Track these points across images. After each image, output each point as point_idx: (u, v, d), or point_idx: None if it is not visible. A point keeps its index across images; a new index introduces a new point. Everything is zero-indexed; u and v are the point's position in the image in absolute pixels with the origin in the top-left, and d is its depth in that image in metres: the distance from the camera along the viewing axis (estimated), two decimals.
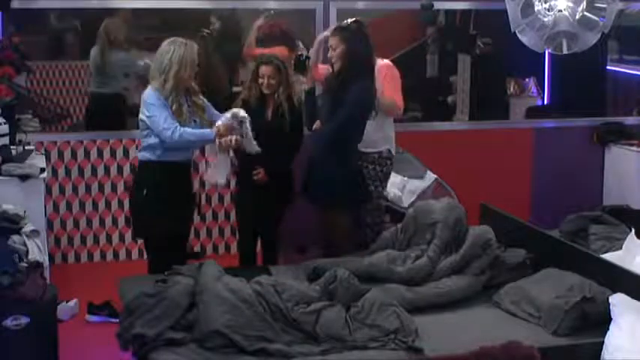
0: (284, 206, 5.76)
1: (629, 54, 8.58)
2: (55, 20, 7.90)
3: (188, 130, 5.10)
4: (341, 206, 5.49)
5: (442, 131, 7.62)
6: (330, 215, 5.49)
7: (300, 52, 5.79)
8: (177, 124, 5.06)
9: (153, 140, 5.13)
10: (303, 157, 5.68)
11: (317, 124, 5.45)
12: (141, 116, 5.17)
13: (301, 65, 5.59)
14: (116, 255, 6.84)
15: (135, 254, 6.82)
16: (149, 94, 5.14)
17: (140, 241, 6.23)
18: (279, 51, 7.12)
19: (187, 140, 5.11)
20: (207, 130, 5.21)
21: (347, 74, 5.28)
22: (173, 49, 5.11)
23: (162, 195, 5.14)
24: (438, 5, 7.42)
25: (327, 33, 5.65)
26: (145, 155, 5.20)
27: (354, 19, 5.43)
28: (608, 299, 4.49)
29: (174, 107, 5.10)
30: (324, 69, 5.71)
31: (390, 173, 5.93)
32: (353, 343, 4.27)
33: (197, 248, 7.04)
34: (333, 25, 6.29)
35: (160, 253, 5.23)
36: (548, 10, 5.67)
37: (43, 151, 6.34)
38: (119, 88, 7.35)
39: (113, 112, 7.30)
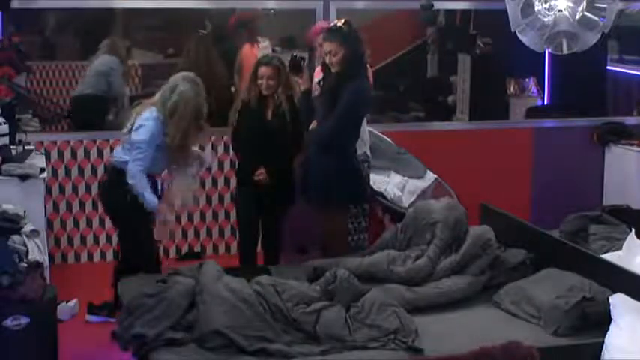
0: (285, 206, 5.76)
1: (629, 54, 8.58)
2: (55, 20, 7.91)
3: (147, 191, 5.11)
4: (339, 206, 5.49)
5: (442, 131, 7.62)
6: (328, 215, 5.48)
7: (294, 54, 5.79)
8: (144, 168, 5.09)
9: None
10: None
11: (314, 125, 5.45)
12: (134, 134, 5.16)
13: (297, 66, 5.59)
14: (116, 255, 6.81)
15: None
16: (149, 120, 5.13)
17: None
18: (248, 50, 7.30)
19: (137, 186, 5.10)
20: (154, 203, 5.17)
21: (344, 75, 5.30)
22: (181, 89, 5.13)
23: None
24: (438, 5, 7.42)
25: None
26: (123, 164, 5.19)
27: (342, 20, 5.45)
28: (608, 299, 4.49)
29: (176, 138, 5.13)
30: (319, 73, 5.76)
31: (369, 176, 5.94)
32: (353, 343, 4.27)
33: (197, 248, 7.05)
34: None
35: (138, 255, 5.32)
36: (548, 10, 5.67)
37: (43, 151, 6.34)
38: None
39: None
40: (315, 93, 5.64)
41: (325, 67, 5.46)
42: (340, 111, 5.27)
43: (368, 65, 5.78)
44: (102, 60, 7.34)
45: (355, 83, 5.29)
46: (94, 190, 6.82)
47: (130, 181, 5.11)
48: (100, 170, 6.81)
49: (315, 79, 5.72)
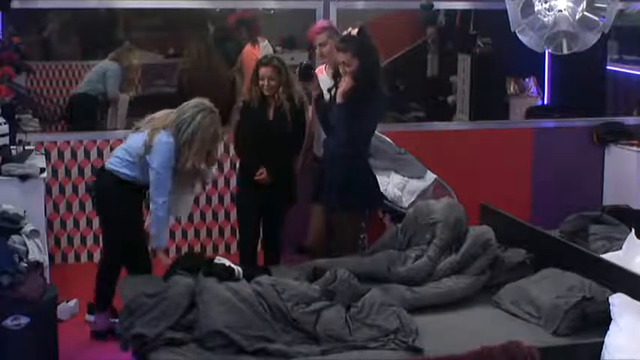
0: (286, 206, 5.76)
1: (629, 54, 8.58)
2: (55, 20, 7.91)
3: (164, 229, 5.25)
4: (355, 210, 5.48)
5: (442, 131, 7.62)
6: (342, 219, 5.47)
7: (302, 62, 5.76)
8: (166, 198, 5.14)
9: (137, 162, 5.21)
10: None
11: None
12: (149, 157, 5.14)
13: (306, 74, 5.56)
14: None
15: None
16: (164, 145, 5.13)
17: None
18: (249, 50, 7.32)
19: (155, 216, 5.17)
20: (165, 242, 5.34)
21: (364, 88, 5.26)
22: (199, 120, 5.13)
23: (139, 205, 5.34)
24: (438, 5, 7.42)
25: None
26: (124, 171, 5.22)
27: (357, 28, 5.38)
28: (608, 299, 4.49)
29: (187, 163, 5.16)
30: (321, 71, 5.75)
31: None
32: (353, 343, 4.27)
33: (197, 248, 7.05)
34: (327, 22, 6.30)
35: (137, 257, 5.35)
36: (548, 10, 5.68)
37: (43, 151, 6.34)
38: None
39: None
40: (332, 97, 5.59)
41: (337, 76, 5.43)
42: (360, 127, 5.33)
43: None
44: (101, 63, 7.43)
45: (377, 94, 5.29)
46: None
47: (154, 210, 5.15)
48: None
49: (326, 81, 5.67)
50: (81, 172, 6.81)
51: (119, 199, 5.23)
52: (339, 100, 5.32)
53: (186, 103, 5.24)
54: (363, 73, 5.26)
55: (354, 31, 5.35)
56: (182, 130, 5.11)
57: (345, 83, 5.30)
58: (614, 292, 4.50)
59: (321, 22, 6.33)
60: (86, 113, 7.42)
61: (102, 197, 5.38)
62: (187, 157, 5.14)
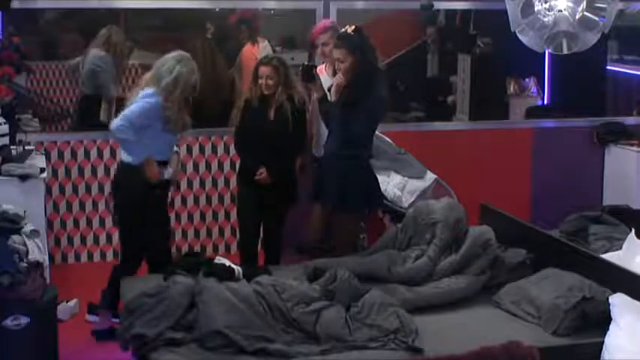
0: (286, 206, 5.77)
1: (629, 54, 8.58)
2: (55, 20, 7.90)
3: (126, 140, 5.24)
4: (354, 210, 5.48)
5: (442, 131, 7.62)
6: (342, 219, 5.47)
7: (305, 62, 5.75)
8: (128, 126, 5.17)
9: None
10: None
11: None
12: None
13: (308, 74, 5.56)
14: (116, 255, 6.83)
15: None
16: (149, 97, 5.22)
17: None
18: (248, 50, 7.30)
19: (118, 136, 5.26)
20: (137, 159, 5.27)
21: (360, 87, 5.26)
22: (178, 69, 5.26)
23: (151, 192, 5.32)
24: (438, 5, 7.42)
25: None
26: (127, 157, 5.30)
27: (353, 26, 5.39)
28: (608, 299, 4.49)
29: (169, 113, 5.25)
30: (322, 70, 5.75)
31: None
32: (353, 343, 4.27)
33: (197, 248, 7.05)
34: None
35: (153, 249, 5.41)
36: (548, 10, 5.67)
37: (43, 151, 6.34)
38: None
39: None
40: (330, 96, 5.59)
41: (336, 74, 5.43)
42: (356, 125, 5.31)
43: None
44: (91, 56, 7.26)
45: (375, 94, 5.28)
46: (94, 190, 6.82)
47: (113, 126, 5.21)
48: (101, 170, 6.82)
49: (326, 81, 5.67)
50: (81, 172, 6.81)
51: (129, 188, 5.29)
52: (332, 97, 5.33)
53: (162, 58, 5.36)
54: (356, 70, 5.26)
55: (350, 29, 5.37)
56: (163, 81, 5.22)
57: (338, 79, 5.31)
58: (614, 292, 4.50)
59: (324, 22, 6.32)
60: (93, 116, 7.37)
61: (115, 188, 5.53)
62: (168, 106, 5.21)
